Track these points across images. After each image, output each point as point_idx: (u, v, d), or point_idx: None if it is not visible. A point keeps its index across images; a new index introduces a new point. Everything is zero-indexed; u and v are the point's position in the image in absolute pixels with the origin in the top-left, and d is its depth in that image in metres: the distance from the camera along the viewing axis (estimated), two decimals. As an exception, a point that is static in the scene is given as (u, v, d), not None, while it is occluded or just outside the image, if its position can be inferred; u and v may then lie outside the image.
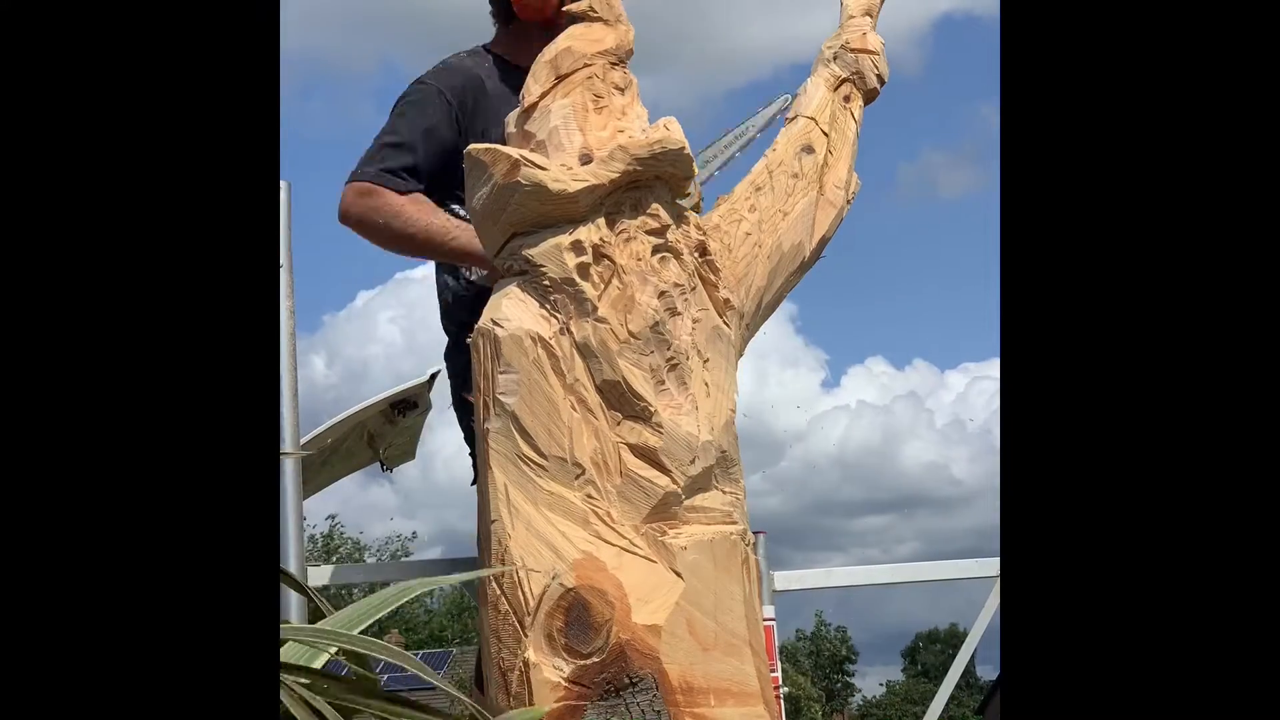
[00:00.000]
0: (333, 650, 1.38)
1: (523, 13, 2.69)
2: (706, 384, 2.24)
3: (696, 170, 2.28)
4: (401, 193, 2.54)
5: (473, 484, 2.46)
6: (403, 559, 22.52)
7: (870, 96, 2.73)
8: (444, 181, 2.59)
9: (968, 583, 3.22)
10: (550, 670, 2.01)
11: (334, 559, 24.60)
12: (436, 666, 22.36)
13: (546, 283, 2.15)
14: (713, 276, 2.31)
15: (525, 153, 2.18)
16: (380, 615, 1.43)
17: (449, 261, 2.64)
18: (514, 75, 2.56)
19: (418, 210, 2.54)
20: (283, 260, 2.31)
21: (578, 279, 2.14)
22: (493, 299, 2.22)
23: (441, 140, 2.61)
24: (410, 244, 2.57)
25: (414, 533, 31.22)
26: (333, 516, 27.89)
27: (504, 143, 2.30)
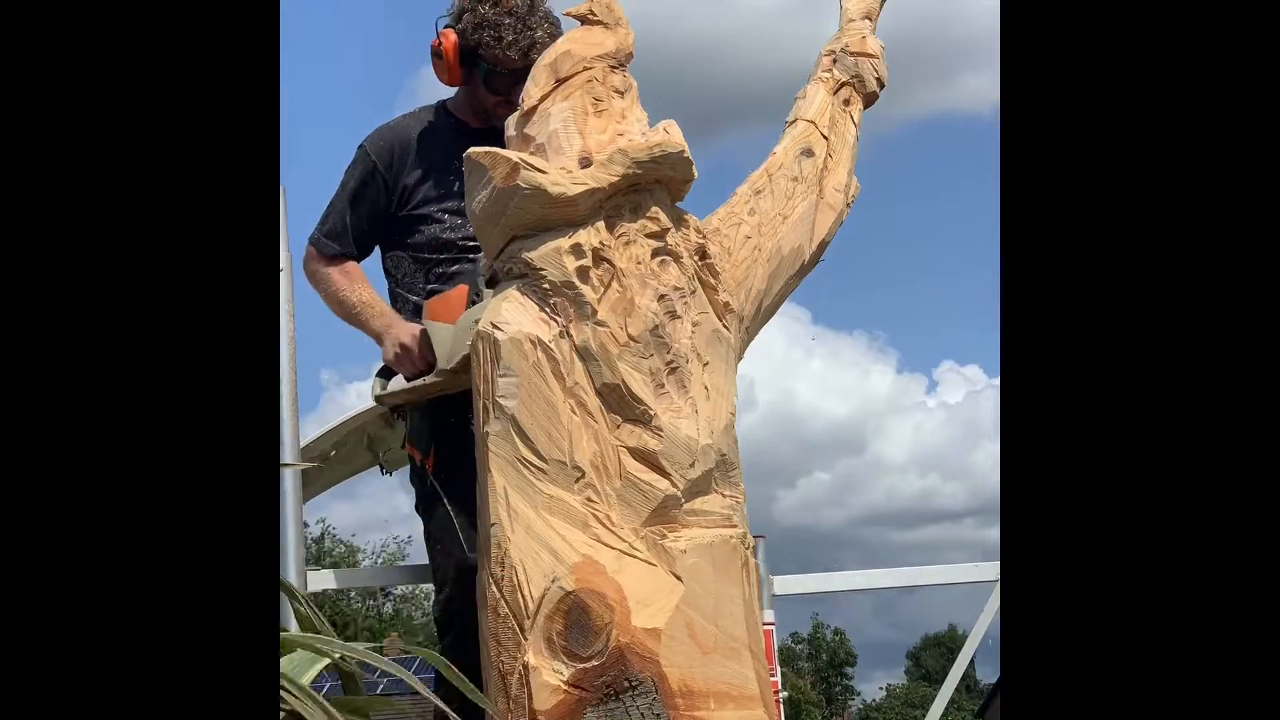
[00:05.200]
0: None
1: (441, 77, 2.77)
2: (706, 387, 2.23)
3: None
4: (329, 257, 2.76)
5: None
6: (399, 563, 22.49)
7: (870, 100, 2.73)
8: (381, 238, 2.80)
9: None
10: (550, 673, 2.01)
11: (326, 562, 24.49)
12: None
13: (546, 286, 2.15)
14: (712, 280, 2.30)
15: (525, 156, 2.18)
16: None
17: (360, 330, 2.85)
18: (461, 130, 2.75)
19: (341, 280, 2.75)
20: (283, 264, 2.31)
21: (577, 282, 2.14)
22: (493, 302, 2.21)
23: (369, 201, 2.76)
24: (333, 308, 2.78)
25: (409, 536, 31.15)
26: (322, 520, 27.79)
27: (426, 195, 2.55)
